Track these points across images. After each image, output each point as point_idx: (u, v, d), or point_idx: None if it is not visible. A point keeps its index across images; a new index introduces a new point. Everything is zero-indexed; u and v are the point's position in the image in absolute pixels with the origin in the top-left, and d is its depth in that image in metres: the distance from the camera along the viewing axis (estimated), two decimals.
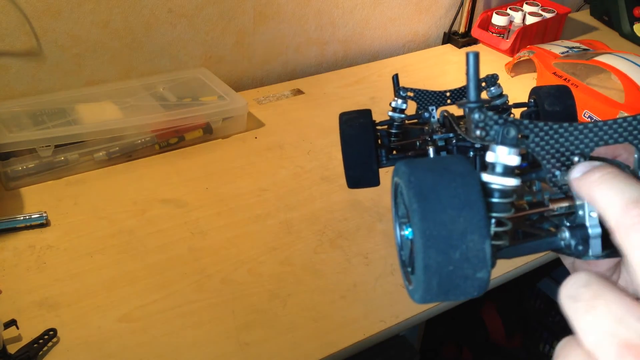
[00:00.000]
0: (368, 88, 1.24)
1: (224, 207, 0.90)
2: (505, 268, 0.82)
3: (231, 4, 1.16)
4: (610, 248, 0.30)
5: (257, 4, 1.18)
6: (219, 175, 0.96)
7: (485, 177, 0.29)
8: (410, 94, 0.49)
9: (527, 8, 1.43)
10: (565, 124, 0.30)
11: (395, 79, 0.50)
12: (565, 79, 1.16)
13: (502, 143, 0.29)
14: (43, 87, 1.05)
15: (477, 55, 0.29)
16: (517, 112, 0.47)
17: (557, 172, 0.30)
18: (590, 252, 0.30)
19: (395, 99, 0.49)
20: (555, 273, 1.40)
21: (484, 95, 0.48)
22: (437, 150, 0.42)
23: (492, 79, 0.47)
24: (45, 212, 0.84)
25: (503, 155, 0.29)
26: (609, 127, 0.30)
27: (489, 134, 0.29)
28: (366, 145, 0.45)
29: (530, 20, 1.40)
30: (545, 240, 0.31)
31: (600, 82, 1.20)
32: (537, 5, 1.44)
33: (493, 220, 0.29)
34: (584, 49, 1.27)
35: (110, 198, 0.90)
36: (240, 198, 0.92)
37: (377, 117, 0.50)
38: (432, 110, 0.49)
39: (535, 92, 0.47)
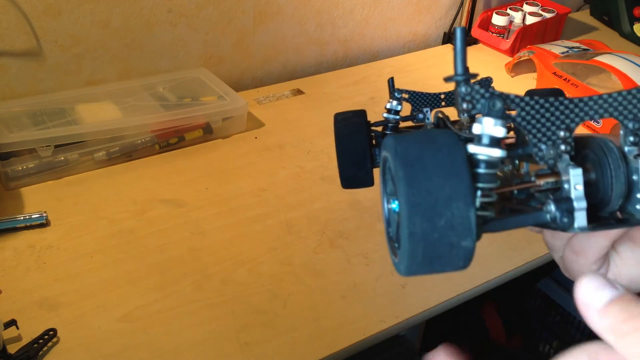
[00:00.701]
0: (368, 88, 1.24)
1: (224, 207, 0.90)
2: (505, 268, 0.82)
3: (231, 4, 1.16)
4: (596, 222, 0.31)
5: (257, 4, 1.18)
6: (219, 175, 0.96)
7: (472, 148, 0.30)
8: (405, 95, 0.50)
9: (527, 8, 1.43)
10: (551, 99, 0.31)
11: (391, 82, 0.51)
12: (565, 79, 1.16)
13: (488, 115, 0.30)
14: (43, 87, 1.05)
15: (464, 30, 0.30)
16: None
17: (543, 147, 0.31)
18: (576, 225, 0.30)
19: (390, 100, 0.50)
20: (556, 273, 1.40)
21: None
22: None
23: (487, 82, 0.48)
24: (45, 212, 0.84)
25: (489, 127, 0.29)
26: (594, 103, 0.31)
27: (476, 107, 0.30)
28: (360, 145, 0.45)
29: (530, 20, 1.40)
30: (532, 214, 0.31)
31: (600, 82, 1.20)
32: (537, 5, 1.44)
33: (479, 192, 0.29)
34: (584, 49, 1.27)
35: (110, 198, 0.90)
36: (240, 198, 0.92)
37: (377, 117, 0.50)
38: (427, 111, 0.50)
39: (529, 94, 0.47)
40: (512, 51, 1.36)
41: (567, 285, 1.34)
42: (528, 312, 1.45)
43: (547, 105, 0.31)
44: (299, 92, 1.21)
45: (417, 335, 1.03)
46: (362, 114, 0.47)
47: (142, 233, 0.84)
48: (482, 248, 0.90)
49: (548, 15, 1.40)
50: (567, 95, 0.45)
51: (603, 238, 0.35)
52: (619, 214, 0.32)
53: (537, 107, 0.31)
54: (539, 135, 0.31)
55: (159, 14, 1.09)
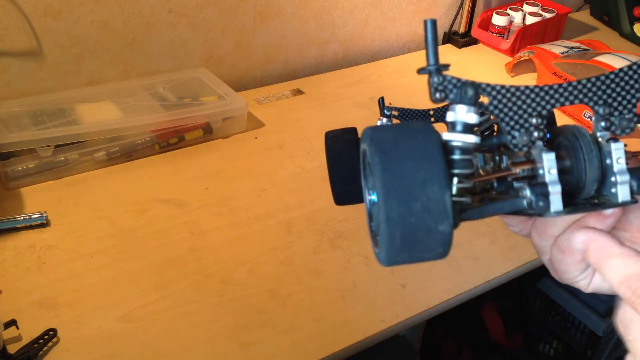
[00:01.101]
0: (368, 88, 1.24)
1: (224, 207, 0.90)
2: (505, 268, 0.82)
3: (231, 4, 1.16)
4: (572, 206, 0.31)
5: (257, 4, 1.18)
6: (219, 175, 0.96)
7: (446, 135, 0.30)
8: (395, 112, 0.50)
9: (527, 8, 1.43)
10: (522, 87, 0.31)
11: (381, 101, 0.51)
12: (565, 79, 1.16)
13: (461, 102, 0.30)
14: (43, 87, 1.05)
15: (434, 22, 0.31)
16: None
17: (517, 134, 0.31)
18: (552, 209, 0.30)
19: (381, 118, 0.50)
20: None
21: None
22: None
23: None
24: (45, 212, 0.84)
25: (462, 114, 0.30)
26: (564, 90, 0.31)
27: (449, 97, 0.30)
28: (352, 161, 0.46)
29: (530, 20, 1.40)
30: (509, 201, 0.31)
31: None
32: (537, 5, 1.44)
33: (456, 179, 0.30)
34: (584, 49, 1.27)
35: (110, 198, 0.90)
36: (240, 198, 0.92)
37: (377, 116, 0.50)
38: None
39: None
40: (512, 51, 1.36)
41: (567, 285, 1.34)
42: (528, 312, 1.45)
43: (517, 93, 0.31)
44: (299, 92, 1.21)
45: (417, 335, 1.03)
46: (352, 131, 0.48)
47: (142, 233, 0.84)
48: (482, 248, 0.90)
49: (548, 15, 1.40)
50: None
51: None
52: (595, 200, 0.32)
53: (508, 95, 0.31)
54: (511, 123, 0.31)
55: (159, 14, 1.09)
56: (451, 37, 1.46)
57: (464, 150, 0.30)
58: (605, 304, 1.29)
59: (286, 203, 0.91)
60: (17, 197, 0.89)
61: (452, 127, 0.30)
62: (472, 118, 0.30)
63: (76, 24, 1.03)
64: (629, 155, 0.31)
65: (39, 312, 0.71)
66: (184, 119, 1.00)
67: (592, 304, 1.30)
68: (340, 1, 1.29)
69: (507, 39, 1.39)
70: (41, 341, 0.67)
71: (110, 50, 1.08)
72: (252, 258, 0.81)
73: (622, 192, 0.31)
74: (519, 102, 0.31)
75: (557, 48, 1.27)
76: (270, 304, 0.74)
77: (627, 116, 0.32)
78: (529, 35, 1.38)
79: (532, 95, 0.31)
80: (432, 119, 0.51)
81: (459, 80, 0.30)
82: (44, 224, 0.84)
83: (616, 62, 1.15)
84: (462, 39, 1.44)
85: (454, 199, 0.29)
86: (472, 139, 0.30)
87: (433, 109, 0.51)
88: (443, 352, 1.40)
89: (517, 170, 0.32)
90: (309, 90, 1.22)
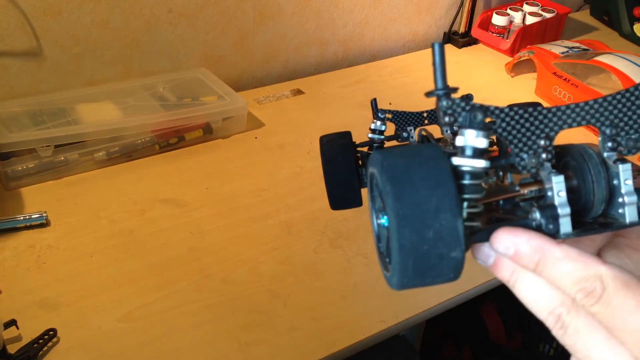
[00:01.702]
0: (368, 88, 1.24)
1: (224, 207, 0.90)
2: None
3: (231, 4, 1.16)
4: (581, 227, 0.31)
5: (257, 4, 1.18)
6: (219, 175, 0.96)
7: (456, 160, 0.30)
8: (389, 115, 0.51)
9: (527, 8, 1.43)
10: (530, 109, 0.32)
11: (374, 103, 0.52)
12: (565, 79, 1.16)
13: (470, 127, 0.30)
14: (43, 87, 1.05)
15: (442, 45, 0.31)
16: None
17: (525, 156, 0.31)
18: (562, 231, 0.30)
19: (374, 121, 0.51)
20: None
21: None
22: None
23: (468, 98, 0.49)
24: (45, 212, 0.84)
25: (471, 138, 0.30)
26: (571, 111, 0.32)
27: (457, 120, 0.30)
28: (347, 166, 0.46)
29: (530, 20, 1.40)
30: (518, 223, 0.32)
31: (600, 82, 1.20)
32: (537, 5, 1.44)
33: (466, 204, 0.30)
34: (584, 49, 1.27)
35: (110, 198, 0.90)
36: (240, 198, 0.92)
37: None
38: (410, 130, 0.51)
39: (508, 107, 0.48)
40: (512, 51, 1.36)
41: None
42: (528, 312, 1.45)
43: (526, 115, 0.31)
44: (299, 92, 1.21)
45: (417, 335, 1.03)
46: (347, 135, 0.48)
47: (142, 233, 0.84)
48: None
49: (548, 15, 1.40)
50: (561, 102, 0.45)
51: (588, 246, 0.35)
52: (602, 219, 0.32)
53: (516, 117, 0.31)
54: (520, 145, 0.31)
55: (159, 14, 1.09)
56: (451, 37, 1.46)
57: (474, 174, 0.30)
58: None
59: (286, 203, 0.91)
60: (17, 197, 0.89)
61: (461, 151, 0.30)
62: (482, 143, 0.30)
63: (76, 24, 1.03)
64: (635, 174, 0.31)
65: (39, 312, 0.71)
66: (184, 119, 1.00)
67: None
68: (340, 1, 1.29)
69: (507, 39, 1.39)
70: (41, 341, 0.67)
71: (110, 50, 1.08)
72: (252, 258, 0.81)
73: (630, 213, 0.31)
74: (527, 124, 0.31)
75: (557, 48, 1.27)
76: (270, 304, 0.74)
77: (633, 136, 0.32)
78: (529, 35, 1.38)
79: (540, 117, 0.31)
80: (426, 121, 0.51)
81: (467, 103, 0.30)
82: (44, 224, 0.84)
83: (616, 62, 1.15)
84: (462, 39, 1.44)
85: (465, 223, 0.29)
86: (481, 163, 0.30)
87: (427, 111, 0.51)
88: (443, 352, 1.40)
89: (525, 191, 0.32)
90: (309, 90, 1.22)
